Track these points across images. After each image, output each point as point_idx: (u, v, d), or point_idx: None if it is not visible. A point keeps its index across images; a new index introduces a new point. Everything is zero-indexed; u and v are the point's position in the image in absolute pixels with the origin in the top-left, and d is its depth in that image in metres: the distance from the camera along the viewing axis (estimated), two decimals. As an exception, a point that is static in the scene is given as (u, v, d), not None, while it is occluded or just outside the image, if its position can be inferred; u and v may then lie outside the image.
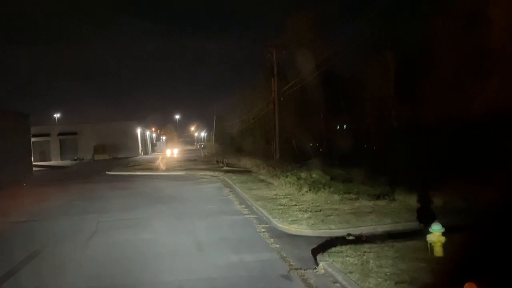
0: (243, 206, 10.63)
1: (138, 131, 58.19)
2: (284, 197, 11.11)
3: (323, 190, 11.06)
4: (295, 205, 9.82)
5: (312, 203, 9.90)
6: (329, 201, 10.06)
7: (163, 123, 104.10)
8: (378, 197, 9.95)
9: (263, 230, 7.81)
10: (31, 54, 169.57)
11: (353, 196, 10.37)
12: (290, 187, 12.57)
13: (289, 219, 8.20)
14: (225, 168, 24.06)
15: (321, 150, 30.83)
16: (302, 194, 11.20)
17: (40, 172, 31.75)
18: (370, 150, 28.21)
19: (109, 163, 39.14)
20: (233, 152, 40.63)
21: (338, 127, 34.69)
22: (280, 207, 9.61)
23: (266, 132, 39.60)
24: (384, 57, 25.13)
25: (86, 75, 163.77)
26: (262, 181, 15.61)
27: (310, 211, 8.88)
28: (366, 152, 27.34)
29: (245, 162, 26.54)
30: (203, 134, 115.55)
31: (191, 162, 31.89)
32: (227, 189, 14.45)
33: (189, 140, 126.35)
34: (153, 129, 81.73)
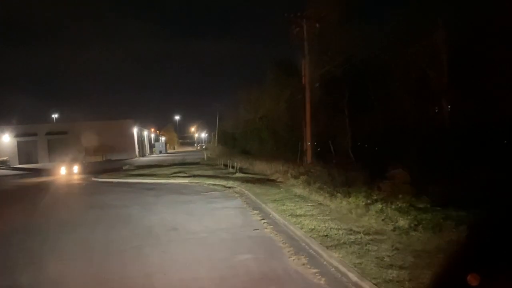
0: (303, 258, 5.67)
1: (135, 130, 53.22)
2: (373, 239, 6.16)
3: (444, 225, 6.10)
4: (421, 264, 4.87)
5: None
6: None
7: (163, 124, 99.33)
8: None
9: None
10: (31, 55, 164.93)
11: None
12: (367, 215, 7.60)
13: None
14: (238, 174, 19.14)
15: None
16: (407, 233, 6.23)
17: (8, 178, 26.72)
18: (412, 152, 22.72)
19: (101, 166, 34.31)
20: (239, 153, 36.29)
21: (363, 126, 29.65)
22: (393, 272, 4.67)
23: (275, 133, 35.29)
24: (434, 39, 20.28)
25: (85, 76, 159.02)
26: (303, 198, 10.64)
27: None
28: (410, 155, 22.07)
29: (261, 167, 21.62)
30: (203, 135, 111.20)
31: (194, 166, 26.93)
32: (255, 211, 9.49)
33: (190, 141, 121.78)
34: (152, 129, 76.96)
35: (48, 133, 49.40)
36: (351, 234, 6.55)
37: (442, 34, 20.08)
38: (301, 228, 7.09)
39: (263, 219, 8.55)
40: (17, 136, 48.32)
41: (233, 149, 42.60)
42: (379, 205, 7.95)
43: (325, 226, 7.12)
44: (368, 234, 6.49)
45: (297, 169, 16.09)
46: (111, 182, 20.23)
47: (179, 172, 21.86)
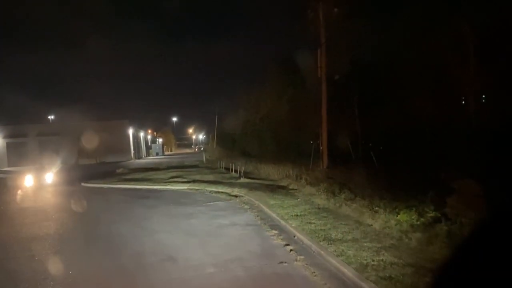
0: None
1: (130, 132, 51.08)
2: None
3: None
4: None
5: None
6: None
7: (160, 125, 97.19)
8: None
9: None
10: (30, 56, 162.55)
11: None
12: (436, 242, 5.61)
13: None
14: (243, 180, 17.12)
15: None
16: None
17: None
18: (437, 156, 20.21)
19: (93, 169, 32.31)
20: (239, 155, 34.43)
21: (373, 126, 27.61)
22: None
23: (276, 134, 33.48)
24: (459, 31, 18.39)
25: (82, 76, 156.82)
26: (331, 213, 8.64)
27: None
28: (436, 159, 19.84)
29: (267, 171, 19.66)
30: (201, 136, 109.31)
31: (193, 170, 24.92)
32: (274, 231, 7.49)
33: (187, 143, 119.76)
34: (149, 131, 74.83)
35: (39, 134, 47.20)
36: (426, 275, 4.57)
37: (468, 22, 18.17)
38: (349, 264, 5.09)
39: (287, 244, 6.54)
40: (6, 137, 46.11)
41: (232, 151, 40.88)
42: (443, 227, 5.98)
43: (381, 261, 5.13)
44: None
45: (312, 174, 14.13)
46: (101, 188, 18.21)
47: (177, 176, 19.86)
